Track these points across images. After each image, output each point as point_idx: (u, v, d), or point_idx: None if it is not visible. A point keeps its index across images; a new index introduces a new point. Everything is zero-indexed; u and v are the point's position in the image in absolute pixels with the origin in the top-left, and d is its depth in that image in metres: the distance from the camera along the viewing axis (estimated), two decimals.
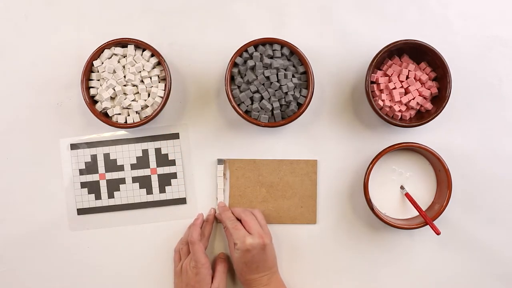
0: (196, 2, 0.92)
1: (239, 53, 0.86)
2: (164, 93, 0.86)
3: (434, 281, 0.92)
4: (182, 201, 0.92)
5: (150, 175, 0.92)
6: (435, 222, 0.85)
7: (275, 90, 0.85)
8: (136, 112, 0.87)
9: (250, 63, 0.85)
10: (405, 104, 0.87)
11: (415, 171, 0.90)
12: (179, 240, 0.91)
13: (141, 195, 0.92)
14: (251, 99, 0.86)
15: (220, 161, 0.92)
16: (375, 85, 0.88)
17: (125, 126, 0.86)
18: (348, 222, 0.93)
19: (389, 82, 0.87)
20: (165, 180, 0.92)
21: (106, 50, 0.87)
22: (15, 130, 0.92)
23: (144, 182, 0.92)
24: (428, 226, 0.84)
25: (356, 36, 0.92)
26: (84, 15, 0.92)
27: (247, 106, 0.86)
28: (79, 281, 0.92)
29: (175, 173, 0.91)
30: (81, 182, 0.92)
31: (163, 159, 0.92)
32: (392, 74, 0.88)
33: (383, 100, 0.87)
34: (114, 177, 0.92)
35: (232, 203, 0.92)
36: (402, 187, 0.90)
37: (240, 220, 0.88)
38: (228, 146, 0.92)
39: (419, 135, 0.92)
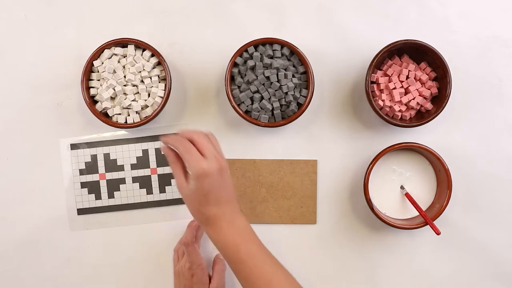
0: (196, 2, 0.92)
1: (239, 53, 0.86)
2: (164, 93, 0.86)
3: (434, 281, 0.92)
4: (182, 201, 0.92)
5: (150, 175, 0.92)
6: (435, 222, 0.85)
7: (275, 90, 0.85)
8: (136, 112, 0.87)
9: (250, 63, 0.85)
10: (405, 104, 0.87)
11: (415, 171, 0.90)
12: (178, 240, 0.91)
13: (141, 195, 0.92)
14: (251, 99, 0.86)
15: None
16: (375, 85, 0.88)
17: (125, 126, 0.87)
18: (348, 222, 0.93)
19: (389, 82, 0.87)
20: (165, 180, 0.92)
21: (106, 50, 0.87)
22: (15, 130, 0.92)
23: (144, 182, 0.92)
24: (428, 226, 0.84)
25: (356, 36, 0.92)
26: (84, 15, 0.92)
27: (247, 106, 0.86)
28: (79, 281, 0.92)
29: None
30: (81, 182, 0.92)
31: (163, 159, 0.92)
32: (392, 74, 0.88)
33: (383, 100, 0.87)
34: (114, 177, 0.92)
35: None
36: (402, 187, 0.90)
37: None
38: (228, 146, 0.92)
39: (419, 135, 0.92)
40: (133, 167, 0.92)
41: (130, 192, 0.92)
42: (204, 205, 0.72)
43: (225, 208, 0.73)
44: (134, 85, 0.87)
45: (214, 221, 0.72)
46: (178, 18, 0.92)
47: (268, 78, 0.85)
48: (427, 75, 0.88)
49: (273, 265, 0.73)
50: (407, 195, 0.88)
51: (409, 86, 0.87)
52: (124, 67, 0.87)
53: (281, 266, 0.74)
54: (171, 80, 0.87)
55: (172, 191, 0.92)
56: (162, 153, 0.76)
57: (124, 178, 0.92)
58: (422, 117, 0.89)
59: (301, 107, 0.87)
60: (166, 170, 0.92)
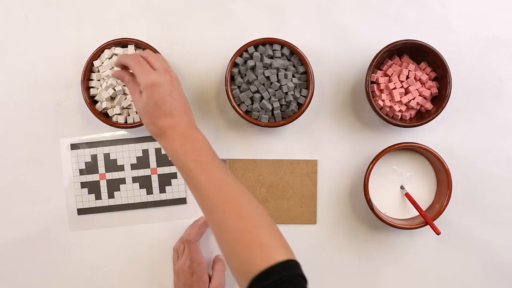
0: (196, 2, 0.92)
1: (239, 53, 0.86)
2: None
3: (434, 281, 0.92)
4: (182, 201, 0.92)
5: (150, 175, 0.92)
6: (435, 222, 0.85)
7: (275, 90, 0.85)
8: (136, 112, 0.87)
9: (250, 63, 0.85)
10: (405, 104, 0.87)
11: (415, 171, 0.90)
12: (178, 238, 0.91)
13: (141, 195, 0.92)
14: (251, 99, 0.86)
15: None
16: (375, 85, 0.88)
17: (125, 126, 0.87)
18: (348, 222, 0.93)
19: (389, 82, 0.87)
20: (165, 180, 0.92)
21: (106, 50, 0.87)
22: (15, 130, 0.92)
23: (144, 182, 0.92)
24: (428, 226, 0.84)
25: (356, 36, 0.92)
26: (84, 15, 0.92)
27: (247, 106, 0.86)
28: (79, 281, 0.92)
29: (175, 173, 0.91)
30: (81, 182, 0.92)
31: (163, 159, 0.92)
32: (392, 74, 0.88)
33: (383, 100, 0.87)
34: (114, 177, 0.92)
35: None
36: (402, 187, 0.90)
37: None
38: (228, 146, 0.92)
39: (419, 135, 0.92)
40: (133, 167, 0.92)
41: (130, 192, 0.92)
42: (157, 116, 0.73)
43: (179, 120, 0.73)
44: None
45: (166, 131, 0.73)
46: (178, 18, 0.92)
47: (268, 78, 0.85)
48: (427, 75, 0.88)
49: (225, 174, 0.71)
50: (407, 195, 0.88)
51: (409, 86, 0.87)
52: None
53: (234, 177, 0.72)
54: None
55: (172, 191, 0.92)
56: (114, 78, 0.80)
57: (124, 178, 0.92)
58: (422, 117, 0.89)
59: (301, 107, 0.87)
60: (166, 170, 0.92)
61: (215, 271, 0.88)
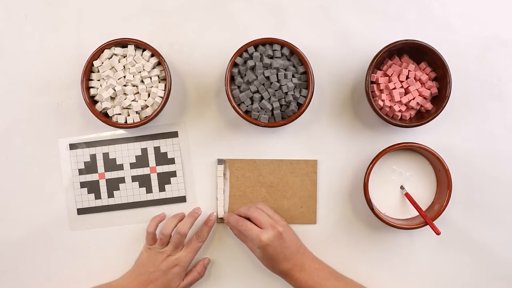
0: (196, 2, 0.92)
1: (239, 53, 0.86)
2: (164, 93, 0.86)
3: (434, 281, 0.92)
4: (182, 199, 0.92)
5: (149, 174, 0.92)
6: (435, 222, 0.85)
7: (275, 90, 0.85)
8: (136, 112, 0.87)
9: (250, 63, 0.85)
10: (405, 104, 0.87)
11: (415, 171, 0.90)
12: (154, 220, 0.90)
13: (140, 194, 0.92)
14: (251, 99, 0.86)
15: (220, 161, 0.92)
16: (375, 85, 0.88)
17: (125, 126, 0.87)
18: (348, 222, 0.92)
19: (389, 82, 0.87)
20: (165, 179, 0.92)
21: (106, 50, 0.87)
22: (15, 130, 0.92)
23: (143, 181, 0.92)
24: (428, 226, 0.84)
25: (356, 36, 0.92)
26: (84, 15, 0.92)
27: (247, 106, 0.86)
28: (79, 281, 0.92)
29: (175, 171, 0.91)
30: (80, 182, 0.92)
31: (162, 158, 0.92)
32: (392, 74, 0.88)
33: (383, 100, 0.87)
34: (114, 176, 0.92)
35: (232, 203, 0.92)
36: (402, 187, 0.90)
37: (248, 219, 0.87)
38: (228, 146, 0.92)
39: (419, 135, 0.92)
40: (133, 166, 0.92)
41: (129, 191, 0.92)
42: (275, 264, 0.84)
43: (294, 260, 0.85)
44: (134, 85, 0.87)
45: (287, 273, 0.85)
46: (178, 18, 0.92)
47: (268, 78, 0.85)
48: (427, 75, 0.88)
49: None
50: (407, 195, 0.88)
51: (409, 86, 0.87)
52: (124, 67, 0.87)
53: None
54: (171, 80, 0.87)
55: (171, 190, 0.92)
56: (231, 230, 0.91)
57: (124, 177, 0.92)
58: (422, 117, 0.89)
59: (301, 107, 0.87)
60: (165, 168, 0.92)
61: (191, 274, 0.90)
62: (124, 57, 0.87)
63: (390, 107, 0.87)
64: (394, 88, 0.87)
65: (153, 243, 0.88)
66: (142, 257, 0.89)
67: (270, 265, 0.85)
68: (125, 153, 0.92)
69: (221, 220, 0.92)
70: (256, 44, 0.86)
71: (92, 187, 0.92)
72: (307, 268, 0.85)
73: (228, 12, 0.92)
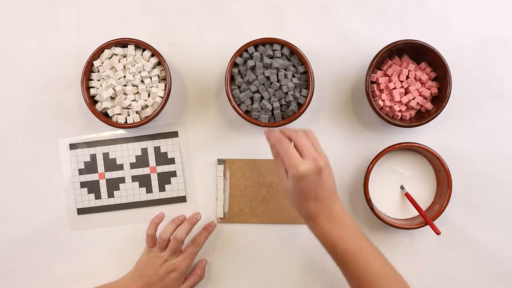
0: (196, 2, 0.92)
1: (239, 53, 0.86)
2: (164, 93, 0.86)
3: (434, 281, 0.92)
4: (182, 199, 0.92)
5: (149, 174, 0.92)
6: (435, 222, 0.85)
7: (275, 90, 0.85)
8: (136, 112, 0.87)
9: (250, 63, 0.85)
10: (405, 104, 0.87)
11: (415, 171, 0.90)
12: (153, 222, 0.89)
13: (141, 194, 0.92)
14: (251, 99, 0.86)
15: (220, 161, 0.92)
16: (375, 85, 0.88)
17: (125, 126, 0.87)
18: None
19: (389, 82, 0.87)
20: (165, 179, 0.92)
21: (106, 50, 0.87)
22: (15, 130, 0.92)
23: (143, 181, 0.92)
24: (428, 226, 0.84)
25: (356, 36, 0.92)
26: (84, 15, 0.92)
27: (247, 106, 0.86)
28: (79, 281, 0.92)
29: (175, 171, 0.92)
30: (80, 182, 0.92)
31: (162, 158, 0.92)
32: (392, 74, 0.88)
33: (383, 100, 0.87)
34: (114, 176, 0.92)
35: (232, 203, 0.92)
36: (402, 187, 0.90)
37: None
38: (228, 146, 0.92)
39: (419, 135, 0.92)
40: (133, 166, 0.92)
41: (129, 191, 0.92)
42: (303, 202, 0.74)
43: (324, 204, 0.74)
44: (134, 85, 0.87)
45: (313, 217, 0.75)
46: (178, 18, 0.92)
47: (268, 78, 0.85)
48: (427, 75, 0.88)
49: (370, 262, 0.74)
50: (407, 195, 0.88)
51: (409, 86, 0.87)
52: (124, 67, 0.87)
53: (380, 262, 0.74)
54: (171, 80, 0.87)
55: (172, 190, 0.92)
56: (267, 141, 0.78)
57: (124, 177, 0.92)
58: (422, 117, 0.89)
59: (301, 107, 0.87)
60: (165, 168, 0.92)
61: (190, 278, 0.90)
62: (124, 57, 0.87)
63: (390, 107, 0.87)
64: (394, 88, 0.87)
65: (153, 246, 0.88)
66: (143, 259, 0.89)
67: (298, 202, 0.75)
68: (125, 153, 0.92)
69: (221, 219, 0.92)
70: (256, 44, 0.87)
71: (92, 187, 0.92)
72: (335, 220, 0.75)
73: (228, 12, 0.92)
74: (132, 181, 0.92)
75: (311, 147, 0.74)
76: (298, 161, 0.72)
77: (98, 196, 0.92)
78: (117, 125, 0.87)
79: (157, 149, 0.92)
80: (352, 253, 0.74)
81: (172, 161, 0.92)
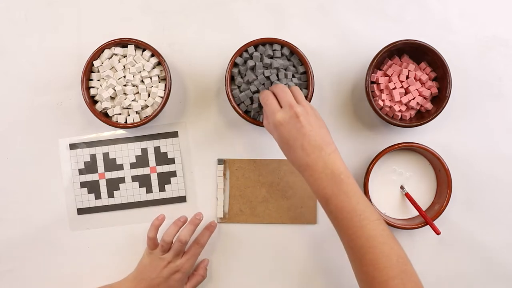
0: (196, 2, 0.92)
1: (239, 53, 0.86)
2: (164, 93, 0.86)
3: (434, 281, 0.92)
4: (182, 199, 0.92)
5: (149, 174, 0.92)
6: (435, 222, 0.85)
7: None
8: (136, 112, 0.87)
9: (250, 63, 0.85)
10: (405, 104, 0.87)
11: (415, 171, 0.90)
12: (154, 225, 0.89)
13: (140, 194, 0.92)
14: (251, 99, 0.86)
15: (220, 161, 0.92)
16: (375, 85, 0.88)
17: (125, 126, 0.87)
18: None
19: (389, 82, 0.87)
20: (165, 179, 0.92)
21: (106, 50, 0.87)
22: (15, 130, 0.92)
23: (143, 181, 0.92)
24: (428, 226, 0.84)
25: (356, 36, 0.92)
26: (84, 15, 0.92)
27: (247, 106, 0.86)
28: (79, 281, 0.92)
29: (175, 171, 0.92)
30: (80, 182, 0.92)
31: (162, 158, 0.92)
32: (392, 74, 0.88)
33: (383, 100, 0.87)
34: (114, 176, 0.92)
35: (232, 203, 0.92)
36: (402, 187, 0.90)
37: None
38: (228, 146, 0.92)
39: (419, 135, 0.92)
40: (133, 166, 0.92)
41: (129, 191, 0.92)
42: (290, 152, 0.73)
43: (316, 154, 0.72)
44: (134, 85, 0.87)
45: (303, 168, 0.73)
46: (178, 18, 0.92)
47: (268, 78, 0.85)
48: (427, 75, 0.88)
49: (365, 225, 0.70)
50: (407, 195, 0.88)
51: (409, 86, 0.87)
52: (124, 67, 0.87)
53: (376, 227, 0.70)
54: (171, 80, 0.87)
55: (172, 190, 0.92)
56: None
57: (124, 177, 0.92)
58: (422, 117, 0.89)
59: None
60: (165, 168, 0.92)
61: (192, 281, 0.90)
62: (124, 57, 0.87)
63: (390, 107, 0.87)
64: (394, 88, 0.87)
65: (154, 248, 0.88)
66: (144, 262, 0.88)
67: (286, 153, 0.74)
68: (125, 153, 0.92)
69: (221, 219, 0.92)
70: (256, 44, 0.86)
71: (92, 187, 0.92)
72: (329, 174, 0.71)
73: (228, 12, 0.92)
74: (132, 181, 0.92)
75: (289, 96, 0.75)
76: (275, 109, 0.74)
77: (98, 196, 0.92)
78: (117, 125, 0.87)
79: (157, 149, 0.92)
80: (347, 212, 0.70)
81: (172, 161, 0.92)
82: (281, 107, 0.75)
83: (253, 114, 0.86)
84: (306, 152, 0.72)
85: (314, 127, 0.73)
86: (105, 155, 0.92)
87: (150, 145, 0.92)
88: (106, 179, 0.92)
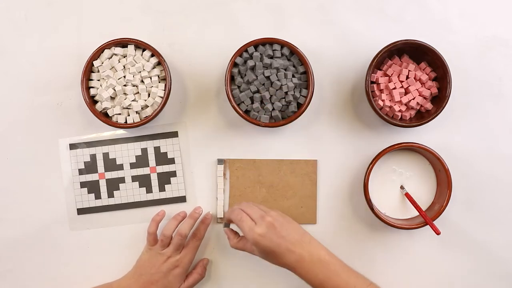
0: (196, 2, 0.92)
1: (239, 53, 0.86)
2: (164, 93, 0.86)
3: (434, 281, 0.92)
4: (182, 199, 0.92)
5: (149, 174, 0.92)
6: (435, 222, 0.85)
7: (275, 90, 0.85)
8: (136, 112, 0.87)
9: (250, 63, 0.85)
10: (405, 104, 0.87)
11: (415, 171, 0.90)
12: (154, 221, 0.90)
13: (140, 194, 0.92)
14: (251, 99, 0.86)
15: (220, 161, 0.92)
16: (375, 85, 0.88)
17: (125, 126, 0.87)
18: (348, 222, 0.92)
19: (389, 82, 0.87)
20: (165, 179, 0.92)
21: (106, 50, 0.87)
22: (15, 130, 0.92)
23: (143, 181, 0.92)
24: (428, 226, 0.84)
25: (356, 36, 0.92)
26: (84, 15, 0.92)
27: (247, 106, 0.86)
28: (79, 281, 0.92)
29: (175, 171, 0.92)
30: (80, 182, 0.92)
31: (162, 158, 0.92)
32: (392, 74, 0.88)
33: (383, 100, 0.87)
34: (114, 176, 0.92)
35: (232, 203, 0.92)
36: (402, 187, 0.90)
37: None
38: (228, 146, 0.92)
39: (419, 135, 0.92)
40: (133, 166, 0.92)
41: (129, 191, 0.92)
42: (279, 258, 0.78)
43: (299, 251, 0.78)
44: (134, 85, 0.87)
45: (295, 267, 0.78)
46: (178, 18, 0.92)
47: (268, 78, 0.85)
48: (427, 75, 0.88)
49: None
50: (407, 195, 0.88)
51: (409, 86, 0.87)
52: (124, 67, 0.87)
53: (366, 286, 0.78)
54: (171, 80, 0.87)
55: (171, 190, 0.92)
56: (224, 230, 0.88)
57: (124, 177, 0.92)
58: (422, 117, 0.89)
59: (301, 107, 0.86)
60: (165, 168, 0.92)
61: (190, 278, 0.90)
62: (124, 57, 0.87)
63: (390, 107, 0.87)
64: (394, 88, 0.87)
65: (154, 244, 0.88)
66: (143, 258, 0.89)
67: (274, 261, 0.79)
68: (125, 153, 0.92)
69: (221, 220, 0.92)
70: (256, 44, 0.86)
71: (92, 187, 0.92)
72: (316, 260, 0.78)
73: (228, 12, 0.92)
74: (132, 181, 0.92)
75: (257, 210, 0.80)
76: (252, 225, 0.78)
77: (98, 196, 0.92)
78: (117, 125, 0.87)
79: (157, 149, 0.92)
80: None
81: (172, 161, 0.92)
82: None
83: (252, 114, 0.86)
84: (292, 251, 0.77)
85: (286, 227, 0.79)
86: (105, 155, 0.92)
87: (150, 145, 0.92)
88: (106, 179, 0.92)
